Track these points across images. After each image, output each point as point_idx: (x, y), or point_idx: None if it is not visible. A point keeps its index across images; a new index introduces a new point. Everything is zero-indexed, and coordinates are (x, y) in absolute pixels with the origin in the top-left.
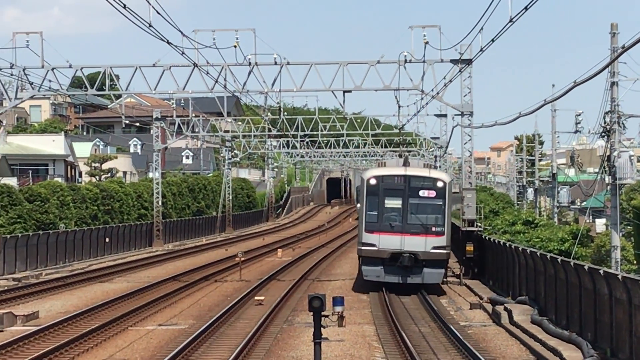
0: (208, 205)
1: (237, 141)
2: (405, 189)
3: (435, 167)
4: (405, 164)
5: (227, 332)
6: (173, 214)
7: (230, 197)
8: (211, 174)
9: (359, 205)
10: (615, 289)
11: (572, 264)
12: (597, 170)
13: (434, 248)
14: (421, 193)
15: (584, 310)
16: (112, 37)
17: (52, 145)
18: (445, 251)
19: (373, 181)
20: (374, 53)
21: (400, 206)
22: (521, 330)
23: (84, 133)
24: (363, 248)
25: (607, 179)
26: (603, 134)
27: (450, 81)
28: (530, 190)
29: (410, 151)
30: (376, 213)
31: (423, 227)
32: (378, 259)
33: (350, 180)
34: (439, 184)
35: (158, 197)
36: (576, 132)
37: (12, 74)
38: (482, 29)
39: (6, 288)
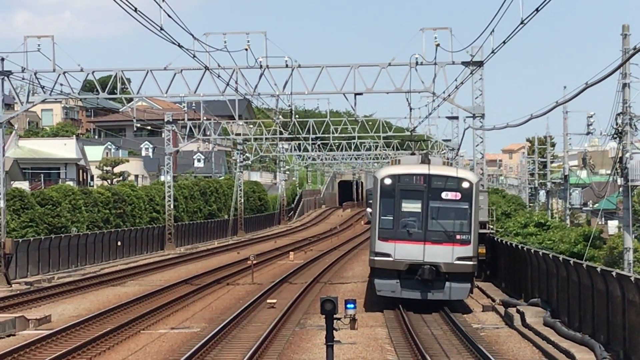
0: (220, 208)
1: (249, 144)
2: (426, 190)
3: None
4: (425, 161)
5: (239, 335)
6: (185, 217)
7: (242, 200)
8: (223, 177)
9: (369, 210)
10: (628, 290)
11: (584, 266)
12: (609, 172)
13: (459, 259)
14: (444, 195)
15: (596, 312)
16: (123, 41)
17: (63, 149)
18: (471, 263)
19: (388, 181)
20: (385, 55)
21: (419, 210)
22: (534, 332)
23: (96, 137)
24: (376, 259)
25: (619, 181)
26: (615, 136)
27: (462, 83)
28: (542, 192)
29: (423, 150)
30: (391, 218)
31: (446, 234)
32: (394, 271)
33: (362, 183)
34: (465, 185)
35: (170, 201)
36: (588, 133)
37: (23, 78)
38: (493, 30)
39: (18, 292)
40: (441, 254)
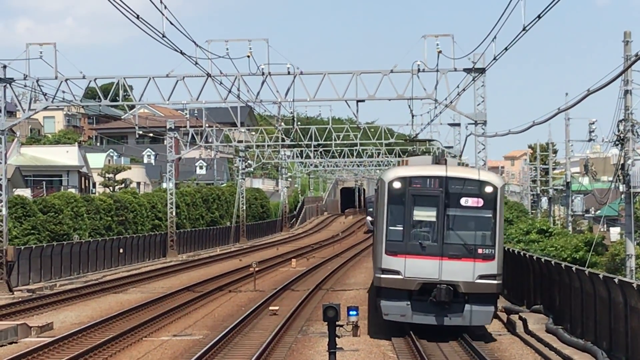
0: (222, 215)
1: (251, 151)
2: (442, 195)
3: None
4: (441, 161)
5: (241, 343)
6: (187, 224)
7: (244, 207)
8: (225, 184)
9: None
10: (630, 297)
11: (586, 272)
12: (611, 178)
13: (482, 277)
14: (464, 201)
15: (598, 319)
16: (125, 48)
17: (65, 156)
18: (496, 282)
19: (397, 184)
20: (387, 62)
21: (434, 219)
22: (536, 339)
23: (98, 144)
24: (383, 276)
25: (621, 188)
26: (617, 142)
27: (464, 90)
28: (544, 199)
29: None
30: (401, 228)
31: (466, 248)
32: (403, 291)
33: (364, 190)
34: (488, 189)
35: (172, 208)
36: (590, 140)
37: (25, 85)
38: (495, 37)
39: (20, 299)
40: (460, 272)
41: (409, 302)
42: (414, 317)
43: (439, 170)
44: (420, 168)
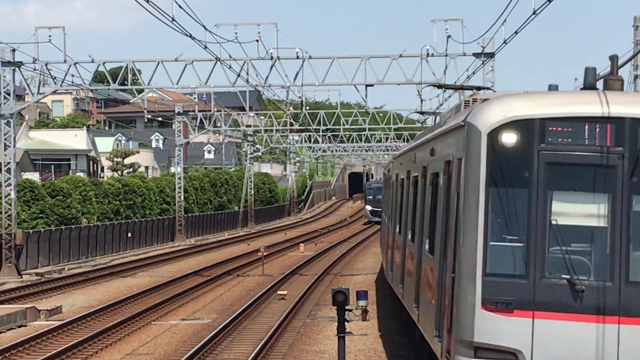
0: (230, 200)
1: (259, 136)
2: (623, 163)
3: None
4: (594, 84)
5: (250, 327)
6: (195, 208)
7: (252, 192)
8: (233, 169)
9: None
10: None
11: None
12: None
13: None
14: None
15: None
16: (134, 32)
17: (74, 140)
18: None
19: (512, 138)
20: (396, 47)
21: (604, 223)
22: None
23: (106, 128)
24: None
25: None
26: None
27: (473, 74)
28: None
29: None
30: (522, 245)
31: None
32: None
33: (372, 175)
34: None
35: (180, 192)
36: None
37: (34, 69)
38: (504, 21)
39: (29, 283)
40: None
41: None
42: None
43: (594, 104)
44: (561, 97)
